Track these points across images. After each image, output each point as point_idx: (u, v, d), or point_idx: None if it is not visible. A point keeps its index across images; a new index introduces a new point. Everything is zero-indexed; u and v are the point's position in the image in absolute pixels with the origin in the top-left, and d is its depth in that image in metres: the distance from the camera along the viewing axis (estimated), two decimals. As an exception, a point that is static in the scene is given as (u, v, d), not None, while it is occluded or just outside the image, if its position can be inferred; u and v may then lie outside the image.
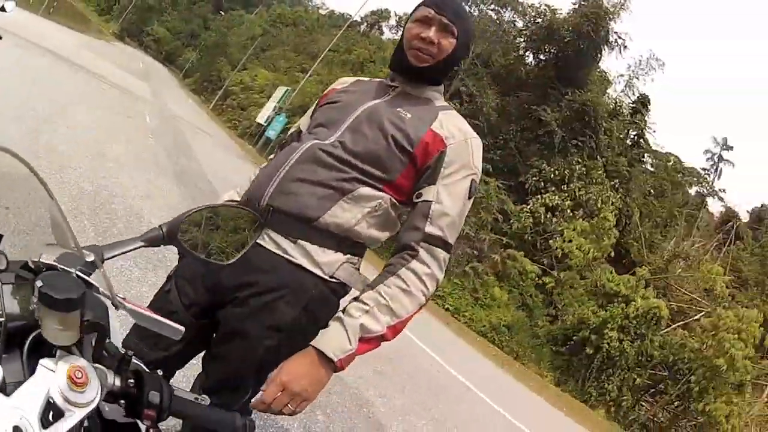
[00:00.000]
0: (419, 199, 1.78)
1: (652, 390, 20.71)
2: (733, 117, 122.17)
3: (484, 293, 21.73)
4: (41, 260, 0.98)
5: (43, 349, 0.89)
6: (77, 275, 0.98)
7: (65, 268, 0.97)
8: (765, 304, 26.69)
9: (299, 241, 1.74)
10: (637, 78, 34.12)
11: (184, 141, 18.74)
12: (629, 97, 34.48)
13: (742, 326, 18.68)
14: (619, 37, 30.67)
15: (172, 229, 1.29)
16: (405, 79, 1.96)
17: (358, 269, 1.86)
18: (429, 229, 1.72)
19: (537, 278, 23.05)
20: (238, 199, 1.94)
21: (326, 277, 1.76)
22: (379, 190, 1.79)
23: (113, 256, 1.17)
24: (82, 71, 20.19)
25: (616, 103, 33.19)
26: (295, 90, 36.98)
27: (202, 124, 32.80)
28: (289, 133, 2.14)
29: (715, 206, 39.45)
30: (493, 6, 33.94)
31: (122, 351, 1.00)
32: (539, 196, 25.66)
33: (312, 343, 1.61)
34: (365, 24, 72.06)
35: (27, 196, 1.15)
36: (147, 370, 1.03)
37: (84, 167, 7.72)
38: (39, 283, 0.88)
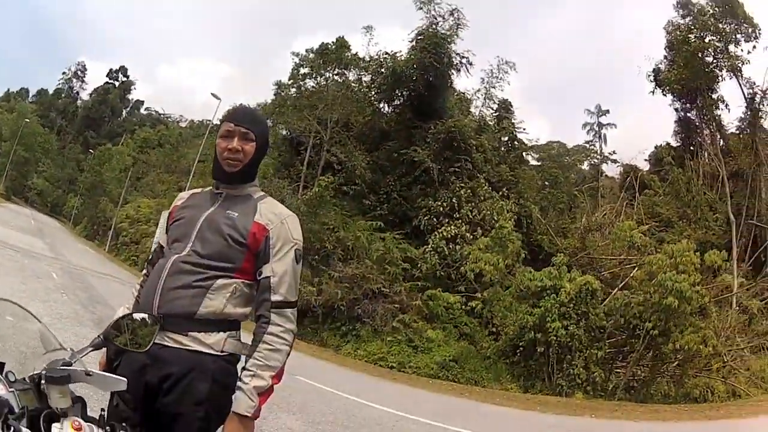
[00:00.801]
0: (261, 276, 2.36)
1: (620, 356, 20.72)
2: (592, 81, 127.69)
3: (419, 339, 21.99)
4: (35, 372, 1.80)
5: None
6: (63, 364, 1.80)
7: (54, 367, 1.77)
8: (695, 231, 27.80)
9: (189, 333, 2.28)
10: (494, 87, 35.21)
11: (93, 289, 19.72)
12: (491, 108, 35.74)
13: (677, 261, 18.86)
14: (462, 57, 31.83)
15: (107, 336, 2.08)
16: (226, 185, 2.53)
17: (239, 339, 2.40)
18: (274, 297, 2.33)
19: (464, 306, 23.31)
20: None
21: (218, 353, 2.32)
22: (231, 277, 2.34)
23: (81, 357, 1.90)
24: None
25: (480, 118, 34.31)
26: None
27: (104, 268, 33.31)
28: (153, 249, 2.75)
29: (614, 170, 40.36)
30: (336, 70, 34.89)
31: (101, 412, 1.89)
32: (436, 233, 26.00)
33: (232, 410, 2.23)
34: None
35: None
36: (123, 426, 1.89)
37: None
38: (43, 371, 1.76)
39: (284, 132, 36.53)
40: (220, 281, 2.35)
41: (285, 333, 2.34)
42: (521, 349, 20.39)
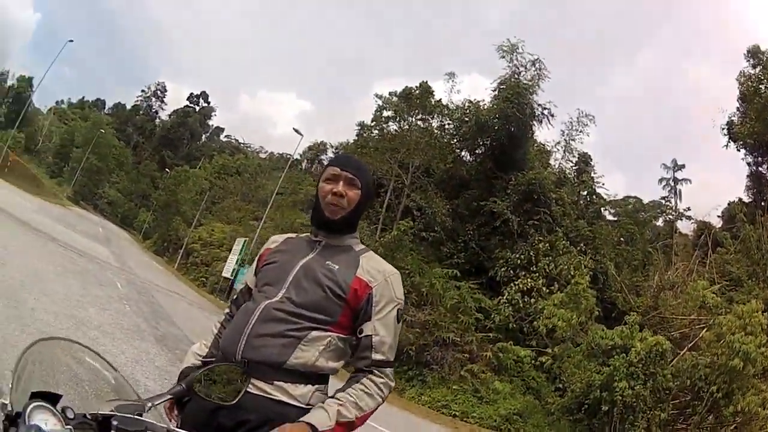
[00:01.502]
0: (362, 335, 2.29)
1: (681, 418, 20.53)
2: (668, 135, 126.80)
3: (485, 390, 22.22)
4: (100, 412, 1.61)
5: None
6: (136, 412, 1.69)
7: (127, 415, 1.65)
8: (764, 290, 27.03)
9: (275, 382, 2.21)
10: (573, 140, 35.55)
11: (158, 305, 20.01)
12: (571, 161, 36.21)
13: (746, 321, 18.79)
14: (544, 108, 32.41)
15: (188, 384, 2.05)
16: (326, 233, 2.47)
17: (326, 394, 2.30)
18: (375, 356, 2.27)
19: (533, 361, 23.54)
20: (205, 350, 2.53)
21: (303, 406, 2.21)
22: (327, 330, 2.27)
23: (157, 404, 1.84)
24: (46, 238, 21.86)
25: (559, 171, 34.77)
26: (253, 240, 38.57)
27: (172, 285, 33.71)
28: (239, 289, 2.69)
29: (689, 227, 40.31)
30: (420, 116, 36.17)
31: None
32: (512, 285, 26.33)
33: (303, 419, 2.07)
34: (305, 161, 75.83)
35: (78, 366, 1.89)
36: None
37: (69, 335, 7.81)
38: (115, 422, 1.59)
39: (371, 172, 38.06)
40: (314, 333, 2.28)
41: (383, 385, 2.30)
42: (586, 407, 20.52)
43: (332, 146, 61.13)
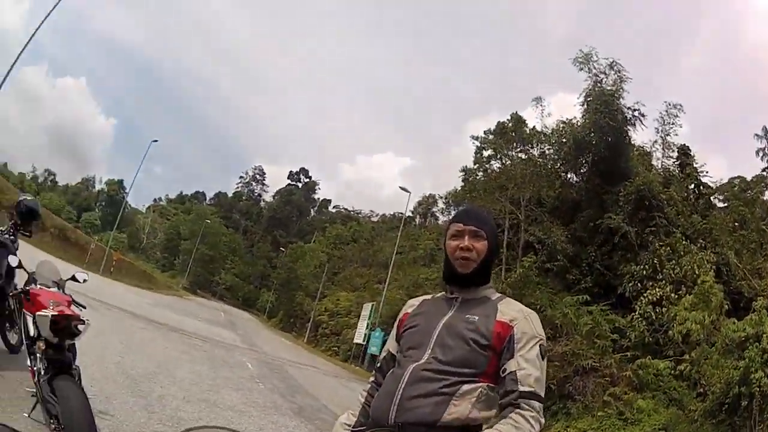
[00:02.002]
0: (505, 373, 2.41)
1: None
2: (752, 103, 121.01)
3: (629, 411, 22.39)
4: None
5: None
6: None
7: None
8: None
9: None
10: (668, 135, 35.96)
11: (292, 379, 21.10)
12: (671, 157, 36.38)
13: None
14: (634, 110, 33.09)
15: None
16: (460, 288, 2.69)
17: None
18: (522, 388, 2.36)
19: (672, 371, 23.58)
20: (353, 420, 2.73)
21: None
22: (476, 381, 2.42)
23: None
24: (167, 328, 22.96)
25: (663, 170, 35.10)
26: (380, 303, 40.75)
27: (303, 359, 35.08)
28: (382, 357, 2.89)
29: None
30: (519, 148, 37.45)
31: None
32: (641, 298, 26.38)
33: None
34: (418, 216, 78.91)
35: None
36: None
37: (202, 418, 9.18)
38: None
39: None
40: (465, 386, 2.41)
41: (533, 419, 2.35)
42: (726, 406, 20.27)
43: (441, 197, 63.72)
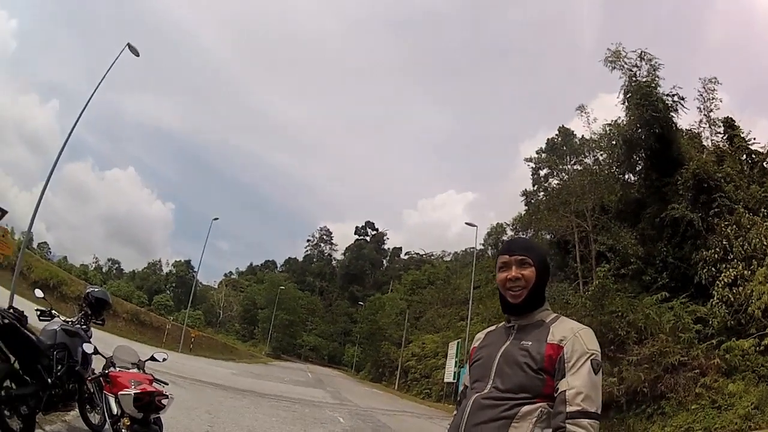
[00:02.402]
0: (557, 393, 2.64)
1: None
2: None
3: (721, 398, 22.70)
4: None
5: None
6: None
7: None
8: None
9: None
10: (710, 111, 36.27)
11: (385, 427, 21.73)
12: (719, 133, 36.43)
13: None
14: (672, 96, 33.49)
15: None
16: (516, 316, 2.96)
17: None
18: (569, 409, 2.57)
19: (757, 348, 23.89)
20: None
21: None
22: (534, 402, 2.66)
23: None
24: (253, 395, 23.85)
25: (714, 148, 35.11)
26: (465, 339, 41.68)
27: (395, 406, 35.90)
28: (461, 391, 3.21)
29: None
30: (573, 160, 38.57)
31: None
32: (717, 282, 26.83)
33: None
34: (489, 247, 79.68)
35: None
36: None
37: None
38: None
39: (548, 236, 40.15)
40: (524, 408, 2.66)
41: None
42: None
43: (507, 224, 64.83)
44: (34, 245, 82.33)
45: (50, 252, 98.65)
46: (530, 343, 2.79)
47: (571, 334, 2.77)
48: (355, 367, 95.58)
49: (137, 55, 28.03)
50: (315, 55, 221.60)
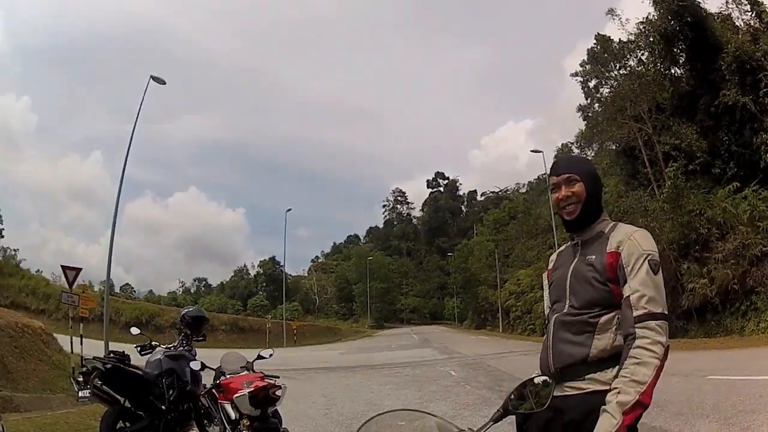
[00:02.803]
0: (622, 299, 2.73)
1: None
2: None
3: None
4: None
5: None
6: None
7: None
8: None
9: (586, 377, 2.76)
10: None
11: (496, 371, 22.18)
12: (747, 12, 35.26)
13: None
14: None
15: (504, 407, 2.61)
16: (577, 233, 3.09)
17: None
18: (635, 313, 2.65)
19: None
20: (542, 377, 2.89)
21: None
22: (610, 311, 2.79)
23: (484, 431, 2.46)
24: (364, 368, 25.04)
25: (747, 26, 34.33)
26: None
27: (502, 348, 36.49)
28: (546, 314, 3.37)
29: None
30: (618, 65, 38.89)
31: None
32: None
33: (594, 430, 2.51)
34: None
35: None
36: None
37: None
38: None
39: (613, 147, 40.70)
40: (601, 319, 2.79)
41: (652, 345, 2.58)
42: None
43: (572, 143, 64.99)
44: (117, 290, 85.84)
45: (134, 291, 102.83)
46: (594, 256, 2.93)
47: (626, 238, 2.86)
48: (457, 319, 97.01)
49: (163, 83, 29.19)
50: (334, 28, 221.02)
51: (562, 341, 2.89)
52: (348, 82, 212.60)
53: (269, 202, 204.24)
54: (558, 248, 3.39)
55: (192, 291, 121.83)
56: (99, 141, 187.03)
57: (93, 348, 21.22)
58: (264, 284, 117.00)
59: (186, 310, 9.26)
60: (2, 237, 61.88)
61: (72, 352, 20.40)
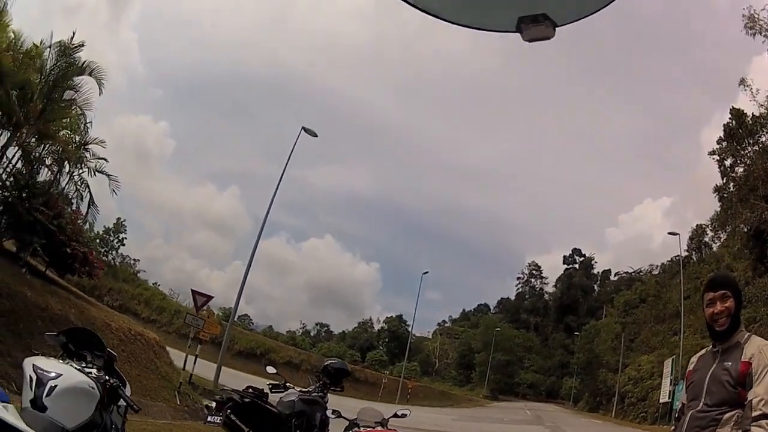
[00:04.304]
0: (746, 402, 3.38)
1: None
2: None
3: None
4: None
5: None
6: None
7: None
8: None
9: None
10: None
11: None
12: None
13: None
14: None
15: None
16: (720, 342, 3.74)
17: None
18: (754, 413, 3.29)
19: None
20: None
21: None
22: (733, 410, 3.44)
23: None
24: None
25: None
26: (679, 355, 40.43)
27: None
28: (679, 408, 3.95)
29: None
30: (752, 142, 37.74)
31: None
32: None
33: None
34: (693, 252, 75.85)
35: None
36: None
37: None
38: None
39: (745, 230, 39.23)
40: (726, 415, 3.42)
41: None
42: None
43: (706, 224, 62.72)
44: (235, 318, 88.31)
45: (252, 323, 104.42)
46: (730, 363, 3.54)
47: (758, 351, 3.49)
48: (572, 399, 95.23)
49: (315, 135, 30.56)
50: (483, 91, 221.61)
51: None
52: (496, 149, 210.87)
53: (405, 260, 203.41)
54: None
55: (312, 334, 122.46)
56: (236, 176, 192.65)
57: (205, 369, 23.09)
58: (386, 340, 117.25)
59: (330, 362, 9.60)
60: (123, 245, 64.05)
61: (184, 368, 21.53)
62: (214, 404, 8.01)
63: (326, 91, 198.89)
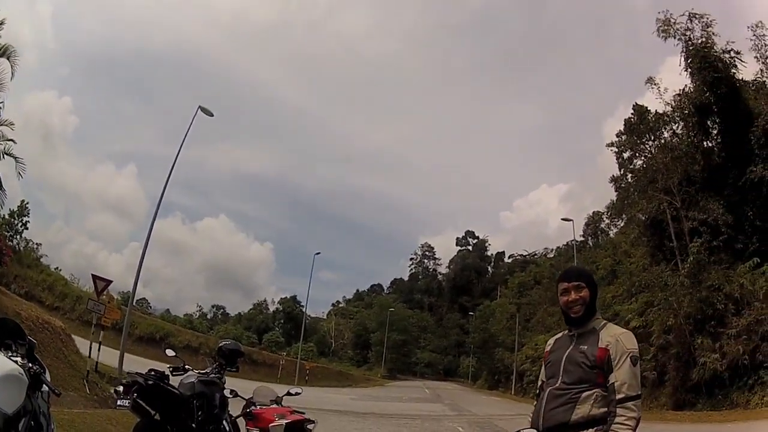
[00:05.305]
0: (608, 384, 3.70)
1: None
2: None
3: None
4: None
5: None
6: None
7: None
8: None
9: None
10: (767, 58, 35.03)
11: (502, 430, 22.98)
12: None
13: None
14: (727, 52, 33.85)
15: None
16: (575, 327, 4.02)
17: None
18: (618, 396, 3.65)
19: None
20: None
21: None
22: (591, 389, 3.73)
23: None
24: (374, 417, 25.30)
25: None
26: None
27: (511, 410, 35.61)
28: (539, 385, 4.25)
29: None
30: (652, 137, 39.14)
31: None
32: None
33: None
34: (589, 238, 79.38)
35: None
36: None
37: None
38: None
39: (643, 218, 40.50)
40: (584, 394, 3.71)
41: (628, 421, 3.59)
42: None
43: (602, 212, 65.27)
44: (134, 303, 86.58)
45: (150, 307, 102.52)
46: (586, 347, 3.84)
47: (614, 340, 3.79)
48: (471, 378, 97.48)
49: (211, 115, 30.22)
50: (384, 75, 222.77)
51: (552, 408, 3.80)
52: (394, 133, 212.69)
53: (299, 241, 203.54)
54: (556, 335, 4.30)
55: (209, 317, 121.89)
56: (135, 155, 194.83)
57: (108, 355, 22.59)
58: (282, 321, 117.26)
59: (224, 343, 9.69)
60: (27, 229, 61.53)
61: (89, 356, 20.96)
62: (121, 388, 8.05)
63: (229, 70, 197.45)
